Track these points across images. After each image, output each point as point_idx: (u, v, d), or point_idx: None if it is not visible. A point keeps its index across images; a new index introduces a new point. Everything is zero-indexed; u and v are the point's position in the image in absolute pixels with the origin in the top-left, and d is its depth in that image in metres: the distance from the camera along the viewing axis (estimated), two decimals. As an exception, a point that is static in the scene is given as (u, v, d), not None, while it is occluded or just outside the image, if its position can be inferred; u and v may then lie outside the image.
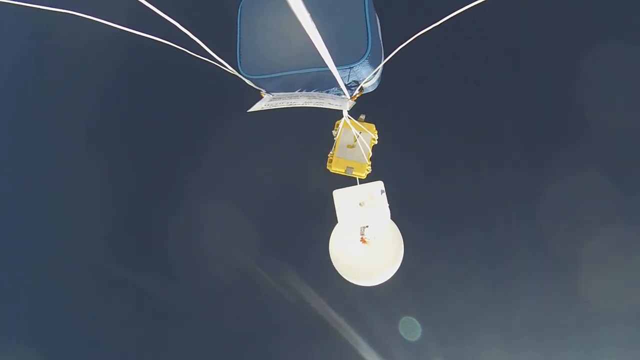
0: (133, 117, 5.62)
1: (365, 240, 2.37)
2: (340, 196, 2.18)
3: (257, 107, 1.65)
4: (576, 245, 4.21)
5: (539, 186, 4.43)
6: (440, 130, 4.72)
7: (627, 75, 4.38)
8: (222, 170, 5.09)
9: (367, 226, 2.29)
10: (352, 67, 1.55)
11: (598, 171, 4.31)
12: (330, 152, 2.29)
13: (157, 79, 5.49)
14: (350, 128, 2.16)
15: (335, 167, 2.27)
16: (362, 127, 2.20)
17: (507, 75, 4.67)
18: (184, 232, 5.01)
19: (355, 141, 2.25)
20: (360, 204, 2.16)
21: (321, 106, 1.66)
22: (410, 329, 4.39)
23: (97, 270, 5.32)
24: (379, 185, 2.19)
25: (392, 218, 2.18)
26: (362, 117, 2.22)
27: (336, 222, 2.23)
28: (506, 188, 4.52)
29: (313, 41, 0.96)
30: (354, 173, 2.25)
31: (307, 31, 0.89)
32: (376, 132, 2.25)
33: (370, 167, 2.28)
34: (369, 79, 1.69)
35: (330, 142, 2.32)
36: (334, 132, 2.29)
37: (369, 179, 2.29)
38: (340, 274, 2.46)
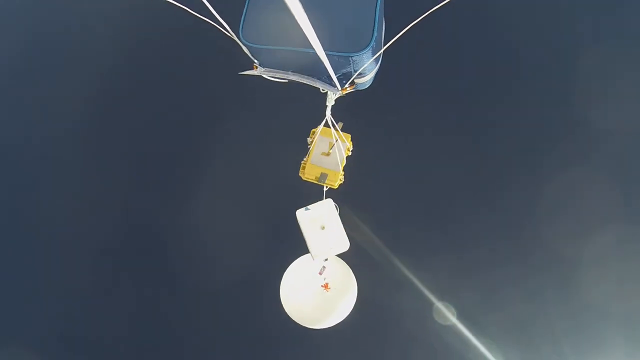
0: (132, 116, 5.64)
1: (328, 287, 2.47)
2: (303, 217, 2.21)
3: (250, 72, 1.65)
4: (576, 244, 4.22)
5: (539, 186, 4.44)
6: (439, 129, 4.73)
7: (627, 75, 4.41)
8: (222, 169, 5.10)
9: (326, 261, 2.39)
10: (352, 57, 1.54)
11: (598, 171, 4.32)
12: (304, 159, 2.28)
13: (156, 78, 5.53)
14: (328, 134, 2.16)
15: (308, 174, 2.25)
16: (340, 134, 2.20)
17: (506, 74, 4.70)
18: (184, 231, 5.02)
19: (331, 149, 2.25)
20: (322, 228, 2.19)
21: (313, 84, 1.66)
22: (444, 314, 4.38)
23: (95, 271, 5.32)
24: (330, 202, 2.24)
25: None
26: (340, 124, 2.21)
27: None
28: (506, 188, 4.54)
29: (302, 28, 0.96)
30: (326, 181, 2.25)
31: (297, 18, 0.88)
32: (351, 142, 2.27)
33: (342, 177, 2.28)
34: (364, 73, 1.70)
35: (304, 149, 2.31)
36: (309, 139, 2.27)
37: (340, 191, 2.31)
38: (295, 319, 2.56)
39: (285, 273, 2.67)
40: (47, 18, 6.11)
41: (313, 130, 2.26)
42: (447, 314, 4.30)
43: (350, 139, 2.26)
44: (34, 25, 6.13)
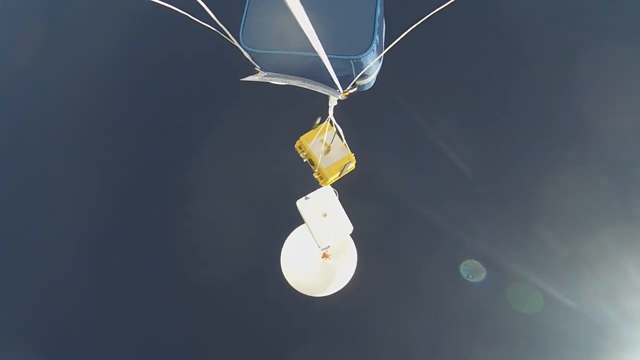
0: (133, 116, 5.66)
1: (328, 255, 2.48)
2: (304, 207, 2.22)
3: (251, 78, 1.66)
4: (576, 244, 4.21)
5: (539, 186, 4.44)
6: (441, 129, 4.73)
7: (627, 76, 4.40)
8: (222, 169, 5.10)
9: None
10: (352, 59, 1.55)
11: (598, 170, 4.32)
12: (315, 171, 2.24)
13: (156, 80, 5.54)
14: (312, 137, 2.19)
15: (330, 175, 2.23)
16: (323, 127, 2.20)
17: (507, 74, 4.70)
18: (185, 230, 5.04)
19: (328, 144, 2.25)
20: (324, 215, 2.22)
21: (315, 89, 1.66)
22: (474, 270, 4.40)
23: (96, 270, 5.33)
24: (329, 189, 2.26)
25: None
26: (318, 120, 2.20)
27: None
28: (507, 188, 4.54)
29: (303, 29, 0.96)
30: (349, 168, 2.25)
31: (299, 21, 0.89)
32: (331, 127, 2.26)
33: (353, 155, 2.28)
34: (365, 73, 1.71)
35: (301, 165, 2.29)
36: (302, 155, 2.25)
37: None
38: (298, 289, 2.56)
39: (284, 245, 2.68)
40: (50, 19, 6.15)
41: (296, 146, 2.24)
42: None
43: (326, 125, 2.24)
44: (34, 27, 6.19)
